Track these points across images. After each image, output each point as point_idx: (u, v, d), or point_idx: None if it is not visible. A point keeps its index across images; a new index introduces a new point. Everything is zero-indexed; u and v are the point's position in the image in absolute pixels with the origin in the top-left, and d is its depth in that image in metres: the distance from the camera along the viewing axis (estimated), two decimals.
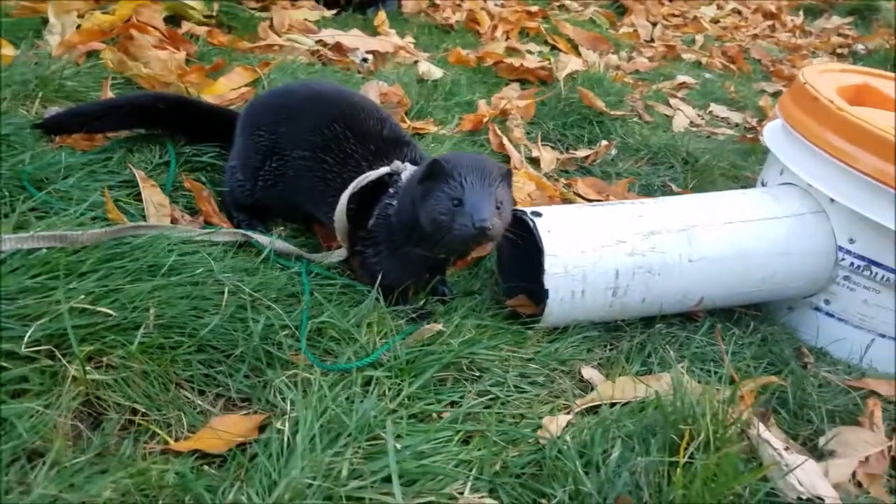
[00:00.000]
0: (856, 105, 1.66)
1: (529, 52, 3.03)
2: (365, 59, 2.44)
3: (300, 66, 2.20)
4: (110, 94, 1.69)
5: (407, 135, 1.42)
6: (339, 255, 1.38)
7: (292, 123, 1.37)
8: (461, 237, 1.18)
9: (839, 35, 5.13)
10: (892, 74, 1.94)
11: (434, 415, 1.10)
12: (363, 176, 1.31)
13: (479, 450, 1.04)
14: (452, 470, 0.99)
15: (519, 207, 1.37)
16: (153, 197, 1.38)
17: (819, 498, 1.05)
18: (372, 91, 2.09)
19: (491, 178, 1.19)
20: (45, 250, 1.09)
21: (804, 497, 1.05)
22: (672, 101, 2.94)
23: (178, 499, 0.90)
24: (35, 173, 1.31)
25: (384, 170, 1.31)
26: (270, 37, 2.40)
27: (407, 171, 1.31)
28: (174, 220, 1.35)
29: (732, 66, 3.79)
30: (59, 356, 0.99)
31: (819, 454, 1.22)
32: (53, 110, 1.57)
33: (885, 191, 1.38)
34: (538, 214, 1.31)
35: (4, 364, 0.95)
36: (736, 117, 2.99)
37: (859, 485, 1.18)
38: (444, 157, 1.22)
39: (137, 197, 1.39)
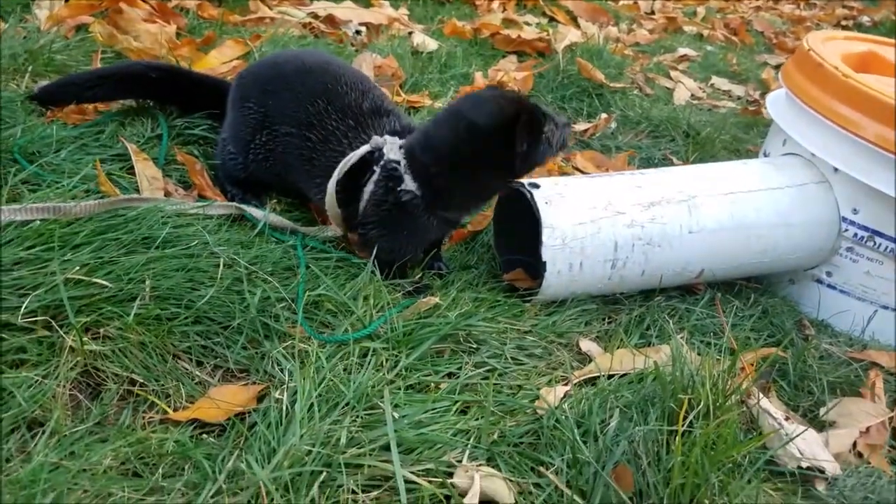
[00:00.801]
0: (861, 73, 1.63)
1: (527, 23, 2.99)
2: (358, 32, 2.41)
3: (292, 38, 2.17)
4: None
5: (390, 103, 1.38)
6: (334, 230, 1.36)
7: (279, 97, 1.34)
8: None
9: (844, 7, 5.06)
10: None
11: (432, 385, 1.09)
12: (345, 160, 1.26)
13: (477, 419, 1.04)
14: (450, 439, 0.99)
15: (516, 179, 1.36)
16: (146, 170, 1.36)
17: (819, 467, 1.05)
18: (365, 64, 2.07)
19: None
20: (38, 222, 1.08)
21: (804, 466, 1.06)
22: (673, 73, 2.91)
23: (178, 466, 0.90)
24: (26, 146, 1.30)
25: (364, 149, 1.26)
26: (261, 9, 2.37)
27: (388, 143, 1.25)
28: (167, 194, 1.34)
29: (735, 39, 3.75)
30: (56, 327, 0.99)
31: (820, 425, 1.21)
32: (43, 84, 1.55)
33: (891, 159, 1.36)
34: (536, 186, 1.30)
35: (2, 335, 0.95)
36: (738, 90, 2.96)
37: (860, 455, 1.18)
38: (507, 113, 1.18)
39: (130, 170, 1.37)
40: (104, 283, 1.04)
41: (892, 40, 1.87)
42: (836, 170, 1.44)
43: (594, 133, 2.18)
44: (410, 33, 2.49)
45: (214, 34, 2.04)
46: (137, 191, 1.33)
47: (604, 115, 2.26)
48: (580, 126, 2.17)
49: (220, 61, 1.95)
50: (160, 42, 1.88)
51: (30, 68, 1.58)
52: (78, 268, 1.04)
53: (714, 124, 2.36)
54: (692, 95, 2.75)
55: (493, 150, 1.20)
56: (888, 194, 1.37)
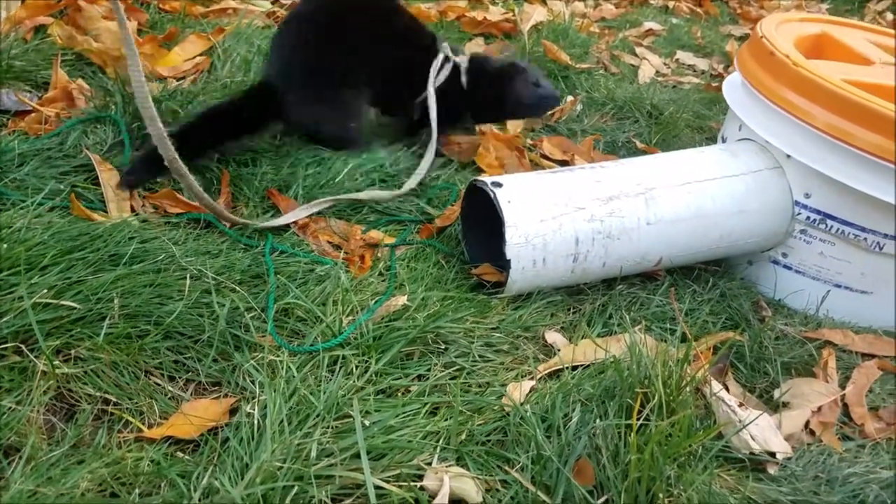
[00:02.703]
0: (814, 56, 1.67)
1: (493, 2, 2.99)
2: None
3: (256, 30, 2.16)
4: (61, 72, 1.66)
5: None
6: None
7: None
8: None
9: None
10: (851, 22, 1.95)
11: (401, 389, 1.13)
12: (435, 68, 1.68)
13: (446, 420, 1.08)
14: (420, 442, 1.03)
15: (479, 178, 1.38)
16: (111, 181, 1.37)
17: (771, 452, 1.11)
18: None
19: None
20: (5, 245, 1.09)
21: (756, 451, 1.11)
22: (638, 49, 2.93)
23: (154, 485, 0.93)
24: None
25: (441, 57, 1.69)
26: (224, 0, 2.34)
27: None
28: (133, 207, 1.35)
29: (699, 10, 3.76)
30: (27, 352, 1.01)
31: (775, 405, 1.27)
32: (3, 92, 1.54)
33: (840, 147, 1.41)
34: (498, 185, 1.33)
35: None
36: (702, 64, 2.99)
37: (812, 433, 1.25)
38: None
39: (95, 181, 1.38)
40: (73, 304, 1.05)
41: (846, 20, 1.90)
42: (788, 156, 1.48)
43: (560, 117, 2.20)
44: None
45: (176, 29, 2.02)
46: (103, 202, 1.34)
47: (570, 98, 2.28)
48: None
49: (183, 58, 1.94)
50: (121, 41, 1.86)
51: None
52: (45, 290, 1.05)
53: (678, 102, 2.40)
54: (657, 72, 2.77)
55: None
56: (839, 180, 1.41)
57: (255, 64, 1.95)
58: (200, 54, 1.96)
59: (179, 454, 0.97)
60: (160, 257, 1.18)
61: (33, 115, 1.54)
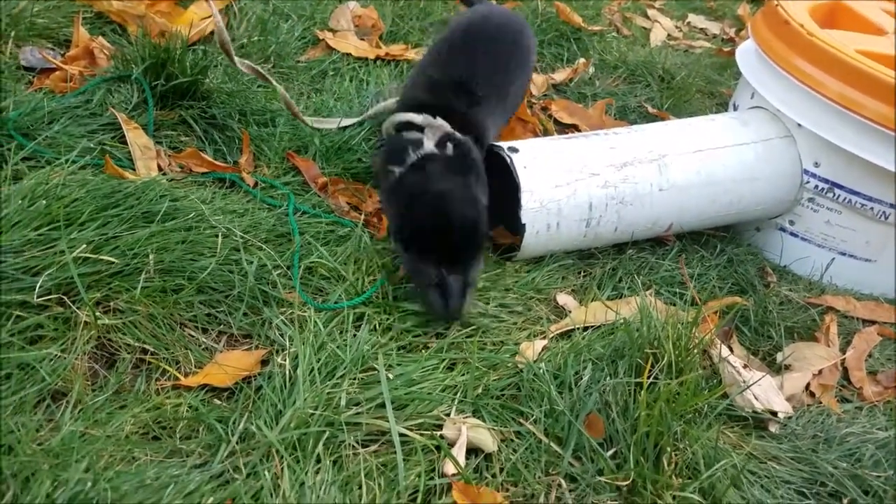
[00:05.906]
0: (828, 25, 1.69)
1: None
2: None
3: None
4: (82, 30, 1.68)
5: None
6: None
7: None
8: None
9: None
10: None
11: (421, 346, 1.18)
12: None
13: (463, 375, 1.14)
14: (439, 394, 1.09)
15: (495, 143, 1.42)
16: (137, 139, 1.40)
17: (773, 411, 1.17)
18: (344, 15, 2.08)
19: None
20: (43, 202, 1.13)
21: (759, 410, 1.17)
22: (650, 11, 2.92)
23: (193, 429, 0.99)
24: (20, 121, 1.33)
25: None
26: None
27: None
28: (159, 164, 1.38)
29: None
30: (69, 303, 1.06)
31: (777, 367, 1.33)
32: (28, 49, 1.57)
33: (850, 117, 1.44)
34: (514, 150, 1.36)
35: (20, 313, 1.02)
36: (713, 28, 2.98)
37: (812, 395, 1.30)
38: None
39: (122, 139, 1.41)
40: (111, 259, 1.10)
41: None
42: (799, 125, 1.51)
43: (572, 77, 2.22)
44: None
45: None
46: (131, 160, 1.38)
47: (582, 60, 2.29)
48: (559, 75, 2.20)
49: (200, 17, 1.95)
50: None
51: (12, 34, 1.59)
52: (84, 245, 1.10)
53: (689, 67, 2.41)
54: (668, 35, 2.77)
55: None
56: (847, 150, 1.45)
57: (270, 23, 1.97)
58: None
59: (216, 401, 1.03)
60: (190, 215, 1.23)
61: (58, 73, 1.56)
